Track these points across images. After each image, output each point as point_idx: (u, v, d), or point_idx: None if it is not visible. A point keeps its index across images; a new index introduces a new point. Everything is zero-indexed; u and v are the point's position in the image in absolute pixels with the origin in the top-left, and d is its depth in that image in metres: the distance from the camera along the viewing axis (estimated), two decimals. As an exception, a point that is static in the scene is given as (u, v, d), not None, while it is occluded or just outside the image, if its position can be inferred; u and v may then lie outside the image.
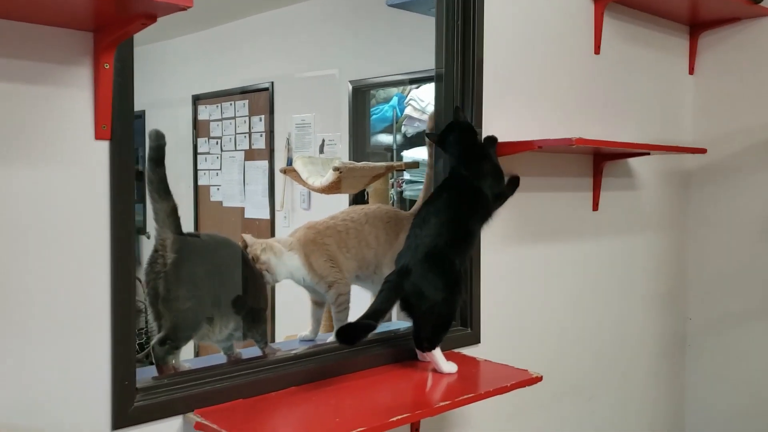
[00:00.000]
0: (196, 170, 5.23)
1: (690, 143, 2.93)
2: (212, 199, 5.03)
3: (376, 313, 1.68)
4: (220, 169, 5.06)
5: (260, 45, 4.77)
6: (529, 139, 2.05)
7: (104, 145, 1.37)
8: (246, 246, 1.87)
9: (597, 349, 2.61)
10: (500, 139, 1.99)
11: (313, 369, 1.72)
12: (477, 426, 2.17)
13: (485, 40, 2.09)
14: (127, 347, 1.42)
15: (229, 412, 1.52)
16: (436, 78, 2.10)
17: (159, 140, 1.65)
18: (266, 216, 4.65)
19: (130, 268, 1.42)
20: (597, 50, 2.50)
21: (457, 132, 1.91)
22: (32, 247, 1.30)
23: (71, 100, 1.34)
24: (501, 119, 2.15)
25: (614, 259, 2.66)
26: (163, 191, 1.63)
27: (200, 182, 5.18)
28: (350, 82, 4.22)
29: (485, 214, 1.87)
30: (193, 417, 1.48)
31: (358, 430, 1.42)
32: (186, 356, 1.75)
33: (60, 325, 1.34)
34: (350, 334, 1.65)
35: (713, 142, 2.88)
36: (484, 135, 2.06)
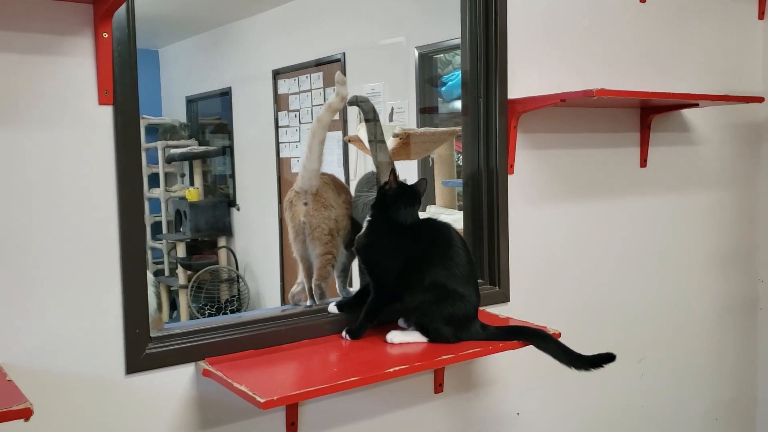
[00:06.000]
0: (278, 143, 5.38)
1: (761, 93, 2.74)
2: (293, 170, 5.17)
3: None
4: (299, 141, 5.19)
5: (332, 16, 4.83)
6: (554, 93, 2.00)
7: (108, 110, 1.47)
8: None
9: (644, 310, 2.51)
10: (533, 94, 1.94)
11: (320, 325, 1.77)
12: (509, 384, 2.16)
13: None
14: (138, 297, 1.52)
15: (238, 362, 1.60)
16: (461, 44, 2.08)
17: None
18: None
19: (138, 222, 1.51)
20: (643, -2, 2.39)
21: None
22: (44, 202, 1.42)
23: (76, 68, 1.44)
24: (533, 73, 2.11)
25: (665, 217, 2.54)
26: None
27: (282, 155, 5.33)
28: (416, 48, 4.22)
29: None
30: (203, 365, 1.58)
31: (351, 379, 1.48)
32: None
33: (73, 276, 1.45)
34: None
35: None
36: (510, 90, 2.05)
